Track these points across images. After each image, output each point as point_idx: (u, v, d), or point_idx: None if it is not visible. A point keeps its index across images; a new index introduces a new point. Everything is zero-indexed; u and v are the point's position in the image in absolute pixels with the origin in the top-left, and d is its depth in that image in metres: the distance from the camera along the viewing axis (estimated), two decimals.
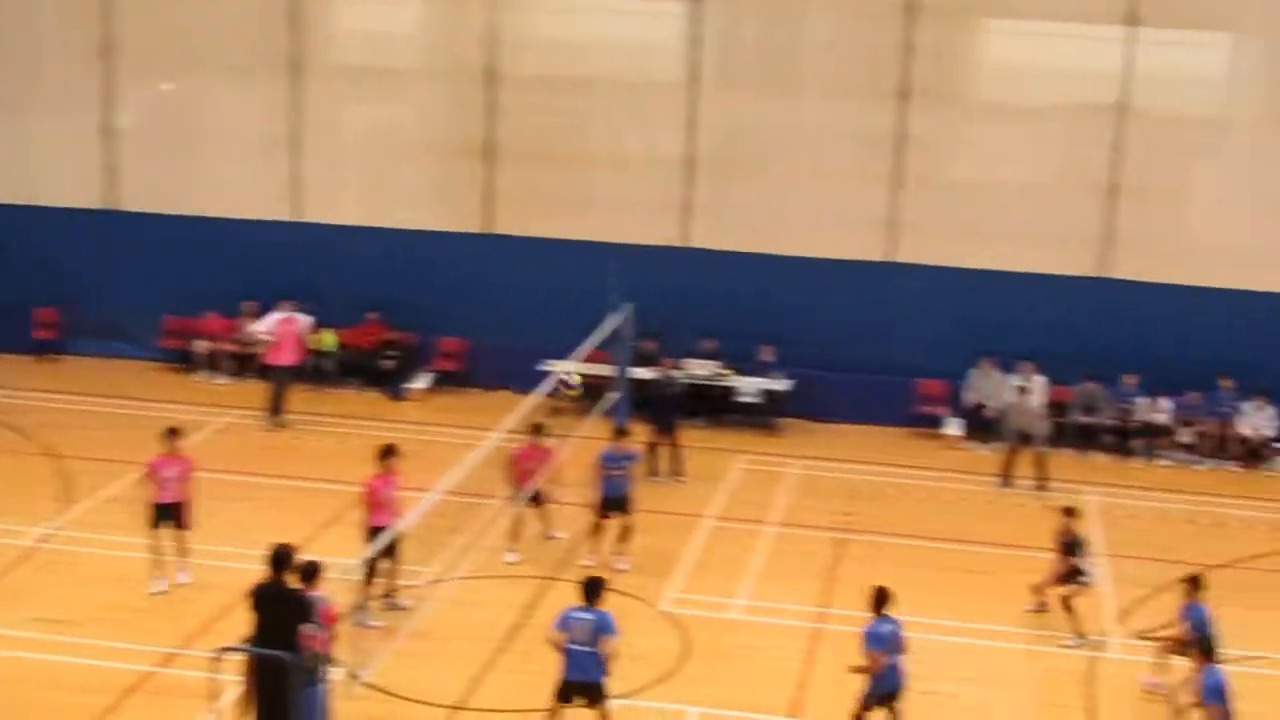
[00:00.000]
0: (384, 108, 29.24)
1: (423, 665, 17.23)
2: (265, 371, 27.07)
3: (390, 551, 18.12)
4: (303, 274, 28.15)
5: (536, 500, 20.49)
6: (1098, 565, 20.61)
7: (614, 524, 20.36)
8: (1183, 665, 16.59)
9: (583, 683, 15.04)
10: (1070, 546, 18.83)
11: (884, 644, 15.26)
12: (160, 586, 19.10)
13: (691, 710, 16.68)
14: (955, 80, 27.30)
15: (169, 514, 19.16)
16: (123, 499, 22.18)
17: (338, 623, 14.73)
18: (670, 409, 24.27)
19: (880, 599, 15.46)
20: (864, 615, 15.41)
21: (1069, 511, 19.14)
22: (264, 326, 26.60)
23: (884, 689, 15.37)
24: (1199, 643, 15.16)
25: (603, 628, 14.95)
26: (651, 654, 17.86)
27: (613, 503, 20.36)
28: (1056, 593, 18.89)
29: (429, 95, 28.76)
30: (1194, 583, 17.15)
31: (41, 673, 16.75)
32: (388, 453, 18.61)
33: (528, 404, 20.99)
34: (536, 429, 20.41)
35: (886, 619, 15.42)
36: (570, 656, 14.98)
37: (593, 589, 15.20)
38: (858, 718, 15.50)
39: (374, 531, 17.90)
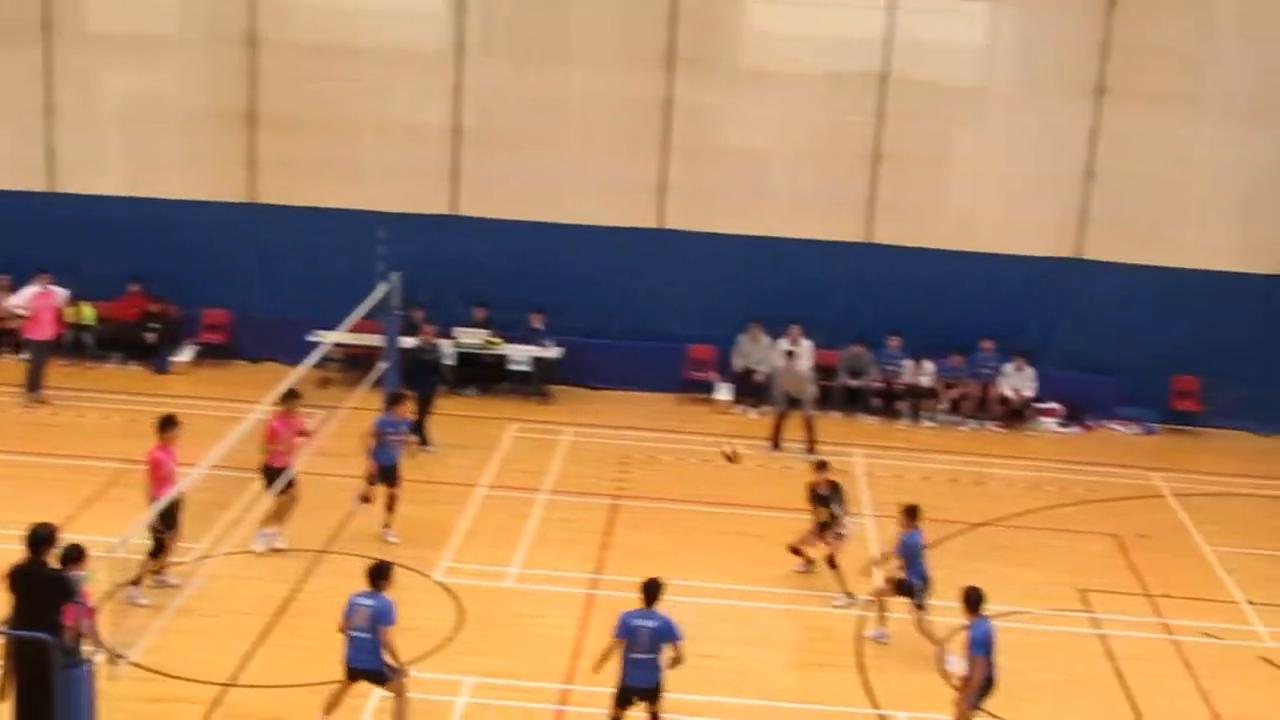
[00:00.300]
0: (143, 75, 28.42)
1: (192, 643, 16.91)
2: (21, 346, 26.29)
3: (171, 523, 17.78)
4: (60, 246, 27.34)
5: (289, 486, 19.65)
6: (862, 525, 21.11)
7: (382, 494, 20.23)
8: (904, 606, 17.48)
9: (365, 669, 14.98)
10: (824, 499, 19.25)
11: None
12: None
13: (467, 680, 16.64)
14: (721, 47, 27.49)
15: None
16: None
17: (95, 605, 14.38)
18: (429, 377, 24.10)
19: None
20: (638, 581, 15.47)
21: (821, 466, 19.65)
22: (19, 300, 25.79)
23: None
24: (967, 595, 15.50)
25: (380, 615, 14.82)
26: (426, 625, 17.79)
27: (387, 471, 20.20)
28: (820, 552, 19.29)
29: (189, 61, 28.04)
30: (910, 512, 17.86)
31: None
32: (168, 423, 18.18)
33: (294, 375, 20.63)
34: (289, 397, 19.92)
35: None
36: (351, 642, 14.89)
37: (379, 574, 15.08)
38: None
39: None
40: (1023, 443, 26.24)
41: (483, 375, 27.01)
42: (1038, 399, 26.84)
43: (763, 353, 26.74)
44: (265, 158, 27.91)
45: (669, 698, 16.43)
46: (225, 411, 23.36)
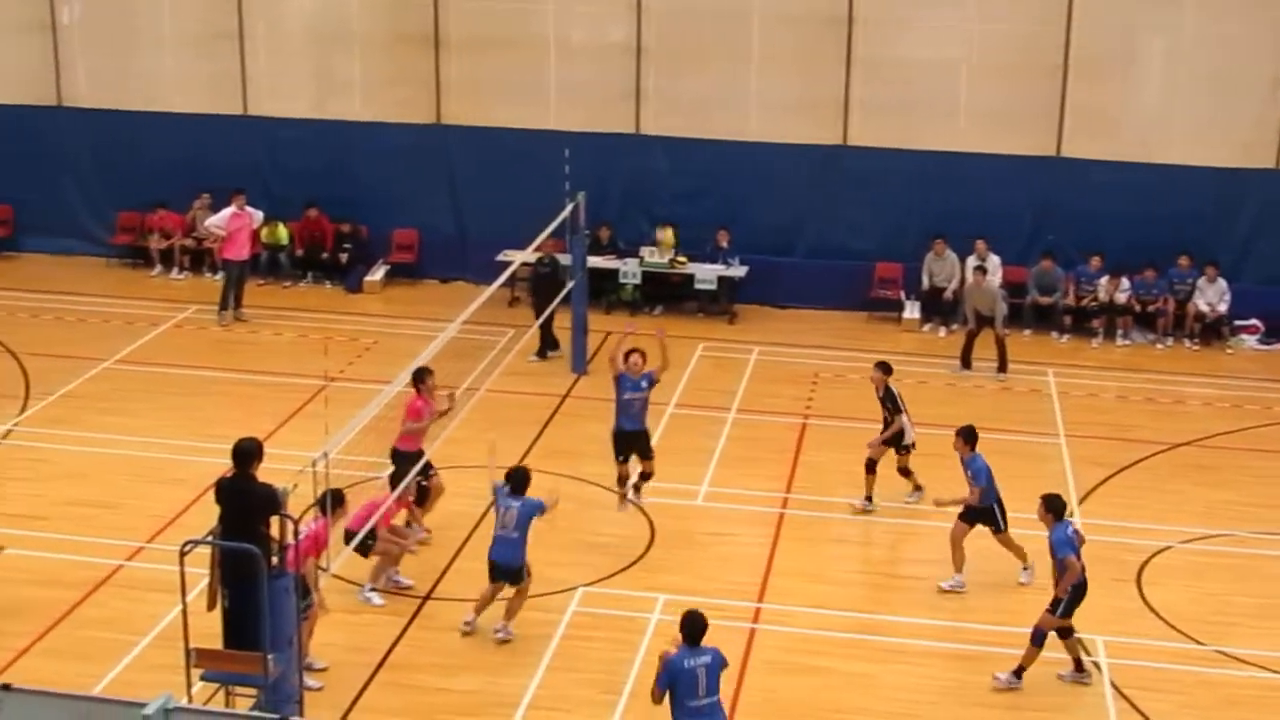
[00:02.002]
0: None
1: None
2: (218, 266, 26.88)
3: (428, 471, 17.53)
4: (252, 168, 27.91)
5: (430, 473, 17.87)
6: (1048, 443, 20.82)
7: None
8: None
9: (507, 567, 15.69)
10: (882, 401, 19.06)
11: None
12: None
13: (660, 597, 16.79)
14: None
15: None
16: (80, 395, 22.14)
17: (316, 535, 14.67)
18: (548, 291, 23.89)
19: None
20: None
21: (882, 367, 19.28)
22: (216, 221, 26.32)
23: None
24: (1046, 501, 15.35)
25: (528, 513, 15.60)
26: (619, 543, 17.97)
27: (628, 438, 18.40)
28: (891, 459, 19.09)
29: None
30: (966, 434, 17.35)
31: (9, 568, 16.70)
32: (423, 374, 17.38)
33: (484, 294, 20.75)
34: (424, 375, 17.50)
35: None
36: (498, 541, 15.67)
37: (521, 481, 15.75)
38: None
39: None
40: (1221, 360, 25.56)
41: (669, 294, 27.03)
42: (1236, 315, 26.13)
43: (950, 270, 26.39)
44: (450, 79, 28.09)
45: (862, 618, 16.51)
46: (416, 330, 23.72)
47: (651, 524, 18.51)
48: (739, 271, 26.77)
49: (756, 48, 27.30)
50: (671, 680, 12.27)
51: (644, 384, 18.18)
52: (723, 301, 26.76)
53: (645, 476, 18.49)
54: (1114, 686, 15.43)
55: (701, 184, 27.33)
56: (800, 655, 15.91)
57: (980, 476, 17.03)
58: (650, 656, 13.11)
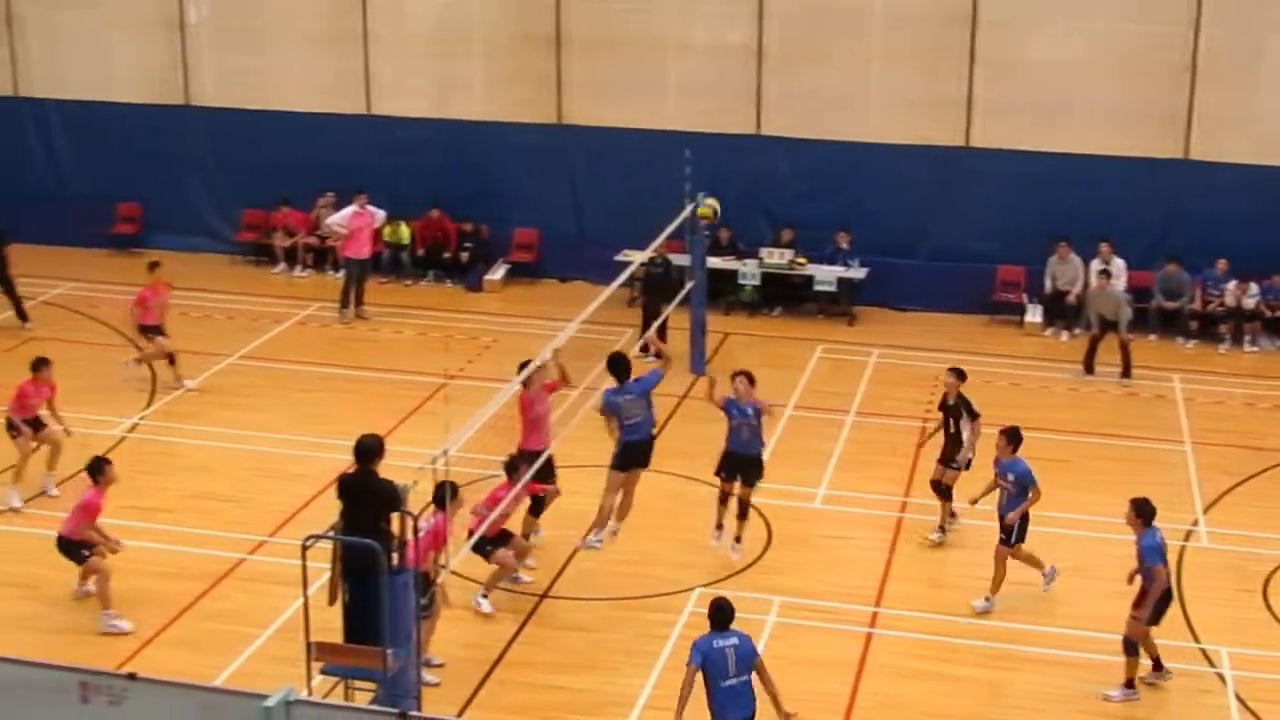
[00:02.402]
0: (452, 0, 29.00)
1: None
2: (341, 264, 27.17)
3: (549, 475, 17.38)
4: (374, 167, 28.14)
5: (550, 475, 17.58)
6: (1172, 450, 20.46)
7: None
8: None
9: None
10: (952, 409, 18.18)
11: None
12: None
13: (776, 599, 16.73)
14: None
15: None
16: (205, 390, 22.47)
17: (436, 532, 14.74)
18: (660, 291, 23.92)
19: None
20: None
21: (957, 372, 18.41)
22: (338, 220, 26.60)
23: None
24: (1136, 506, 15.03)
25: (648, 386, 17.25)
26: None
27: (734, 462, 17.50)
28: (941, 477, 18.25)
29: None
30: (1011, 435, 16.80)
31: (135, 560, 16.99)
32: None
33: (603, 294, 20.73)
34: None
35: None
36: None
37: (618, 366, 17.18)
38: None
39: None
40: None
41: (788, 296, 26.94)
42: None
43: (1073, 273, 26.05)
44: (571, 79, 28.18)
45: (980, 624, 16.34)
46: (535, 329, 23.81)
47: (769, 526, 18.44)
48: (859, 273, 26.62)
49: (878, 48, 27.11)
50: (703, 660, 12.71)
51: (750, 411, 17.22)
52: (842, 303, 26.62)
53: (743, 509, 17.45)
54: (1239, 699, 15.16)
55: (821, 185, 27.21)
56: (917, 661, 15.78)
57: (1027, 477, 16.51)
58: (764, 659, 13.07)
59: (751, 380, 17.35)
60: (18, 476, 18.93)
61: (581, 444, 18.24)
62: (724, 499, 17.49)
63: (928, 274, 27.00)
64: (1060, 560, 17.24)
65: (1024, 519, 16.61)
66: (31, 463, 19.06)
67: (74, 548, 16.25)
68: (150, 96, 29.61)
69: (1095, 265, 25.15)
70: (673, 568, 17.08)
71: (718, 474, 17.52)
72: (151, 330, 22.60)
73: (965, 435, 18.01)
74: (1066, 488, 19.34)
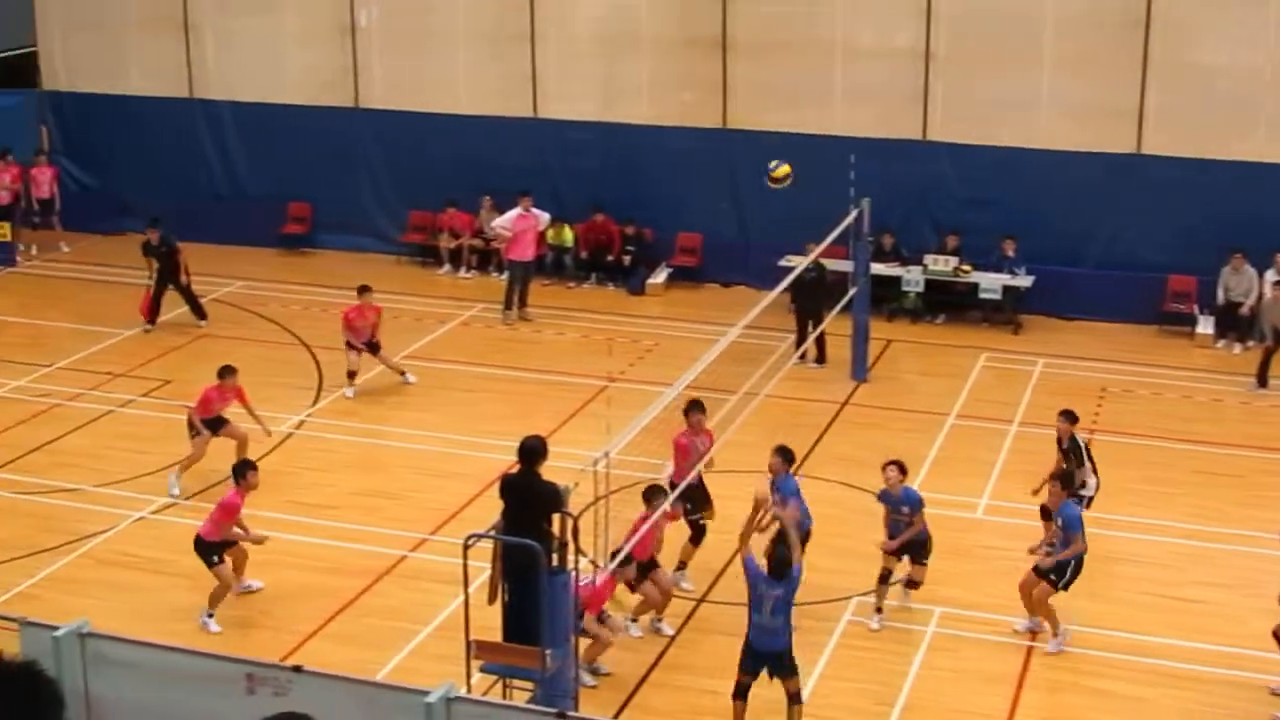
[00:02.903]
0: (618, 2, 29.06)
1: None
2: (504, 266, 27.40)
3: (705, 504, 17.27)
4: (540, 170, 28.37)
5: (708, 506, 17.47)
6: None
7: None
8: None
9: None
10: (1067, 453, 17.73)
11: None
12: None
13: (936, 610, 16.57)
14: None
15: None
16: (368, 389, 22.79)
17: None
18: (813, 296, 23.79)
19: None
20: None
21: (1068, 415, 17.89)
22: (503, 222, 26.82)
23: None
24: None
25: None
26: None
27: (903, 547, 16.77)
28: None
29: None
30: (1065, 480, 16.59)
31: (300, 555, 17.29)
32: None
33: (765, 299, 20.65)
34: (695, 409, 17.17)
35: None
36: None
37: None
38: None
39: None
40: None
41: (952, 303, 26.65)
42: None
43: (1247, 284, 25.44)
44: (736, 82, 28.15)
45: (1142, 640, 16.02)
46: (697, 334, 23.82)
47: (929, 535, 18.22)
48: (1025, 281, 26.23)
49: (1049, 52, 26.69)
50: (751, 584, 13.95)
51: (902, 503, 16.46)
52: (1007, 311, 26.26)
53: (912, 584, 16.84)
54: None
55: (988, 191, 26.85)
56: (1078, 675, 15.55)
57: (1074, 524, 15.91)
58: (924, 670, 12.94)
59: (903, 470, 16.60)
60: (185, 468, 19.33)
61: (742, 450, 18.18)
62: (884, 578, 16.60)
63: (1096, 283, 26.50)
64: (1218, 575, 16.89)
65: (1077, 566, 16.02)
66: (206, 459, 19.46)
67: (208, 549, 16.36)
68: (321, 99, 30.14)
69: (1270, 276, 24.54)
70: (830, 574, 16.96)
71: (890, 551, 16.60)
72: (369, 347, 22.76)
73: (1081, 477, 17.60)
74: (1236, 504, 18.92)
